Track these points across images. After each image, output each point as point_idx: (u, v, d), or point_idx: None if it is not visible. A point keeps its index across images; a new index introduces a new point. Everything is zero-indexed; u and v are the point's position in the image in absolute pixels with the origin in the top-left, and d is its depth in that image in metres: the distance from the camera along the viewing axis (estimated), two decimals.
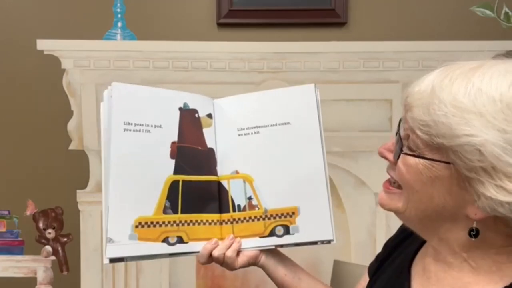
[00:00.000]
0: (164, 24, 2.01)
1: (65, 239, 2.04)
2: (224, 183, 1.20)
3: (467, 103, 0.78)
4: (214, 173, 1.20)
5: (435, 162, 0.82)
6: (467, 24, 1.99)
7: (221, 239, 1.17)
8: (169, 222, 1.14)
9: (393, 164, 0.91)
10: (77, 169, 2.02)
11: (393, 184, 0.92)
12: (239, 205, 1.19)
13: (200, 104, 1.22)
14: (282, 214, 1.18)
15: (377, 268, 1.12)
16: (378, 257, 1.15)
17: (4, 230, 2.02)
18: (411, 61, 1.99)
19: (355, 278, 1.25)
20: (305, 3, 1.99)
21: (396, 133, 0.91)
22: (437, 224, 0.87)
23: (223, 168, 1.20)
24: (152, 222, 1.12)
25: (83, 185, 2.03)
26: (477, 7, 1.99)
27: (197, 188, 1.17)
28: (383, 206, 0.94)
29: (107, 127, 1.12)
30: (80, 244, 2.04)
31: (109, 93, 1.14)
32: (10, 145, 2.02)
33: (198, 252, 1.16)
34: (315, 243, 1.19)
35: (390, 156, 0.92)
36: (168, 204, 1.14)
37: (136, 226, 1.11)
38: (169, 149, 1.16)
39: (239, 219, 1.19)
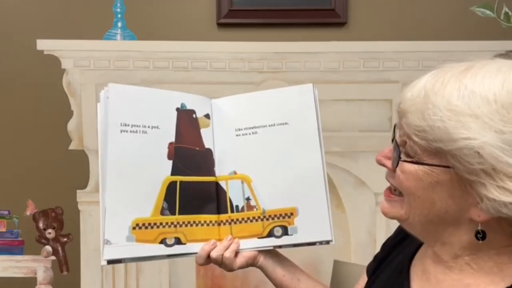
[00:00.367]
0: (164, 24, 2.01)
1: (65, 239, 2.04)
2: (222, 183, 1.20)
3: (461, 106, 0.77)
4: (212, 173, 1.19)
5: (435, 167, 0.81)
6: (467, 24, 1.99)
7: (219, 240, 1.17)
8: (166, 223, 1.13)
9: (392, 172, 0.90)
10: (77, 169, 2.02)
11: (394, 191, 0.92)
12: (237, 206, 1.19)
13: (197, 104, 1.22)
14: (280, 215, 1.18)
15: (376, 268, 1.11)
16: (376, 257, 1.14)
17: (4, 230, 2.02)
18: (411, 61, 1.99)
19: (355, 278, 1.25)
20: (305, 3, 1.99)
21: (392, 140, 0.91)
22: (440, 229, 0.87)
23: (221, 169, 1.20)
24: (149, 224, 1.12)
25: (83, 185, 2.03)
26: (477, 7, 1.98)
27: (195, 189, 1.17)
28: (385, 214, 0.94)
29: (104, 128, 1.12)
30: (80, 244, 2.04)
31: (105, 94, 1.14)
32: (10, 145, 2.02)
33: (196, 253, 1.16)
34: (313, 243, 1.18)
35: (389, 164, 0.91)
36: (165, 205, 1.14)
37: (134, 228, 1.11)
38: (166, 150, 1.16)
39: (237, 219, 1.18)
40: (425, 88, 0.82)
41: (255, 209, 1.18)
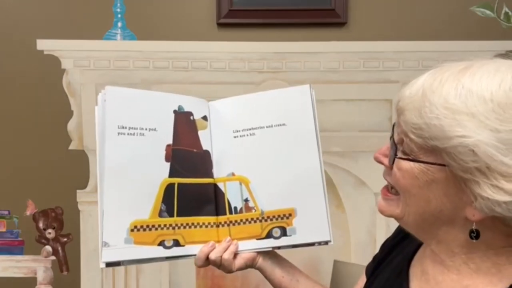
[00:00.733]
0: (164, 24, 2.01)
1: (65, 239, 2.04)
2: (220, 185, 1.20)
3: (458, 104, 0.77)
4: (210, 175, 1.20)
5: (430, 165, 0.82)
6: (467, 24, 1.99)
7: (218, 241, 1.17)
8: (165, 225, 1.14)
9: (389, 169, 0.90)
10: (77, 169, 2.02)
11: (390, 190, 0.92)
12: (235, 207, 1.19)
13: (195, 106, 1.22)
14: (279, 216, 1.18)
15: (375, 268, 1.11)
16: (375, 258, 1.14)
17: (4, 230, 2.03)
18: (411, 61, 1.99)
19: (355, 278, 1.25)
20: (305, 3, 1.99)
21: (391, 138, 0.91)
22: (435, 227, 0.87)
23: (219, 170, 1.20)
24: (148, 226, 1.12)
25: (83, 185, 2.03)
26: (477, 7, 1.98)
27: (193, 190, 1.17)
28: (382, 212, 0.94)
29: (102, 131, 1.12)
30: (80, 244, 2.05)
31: (103, 96, 1.14)
32: (10, 145, 2.02)
33: (195, 255, 1.16)
34: (312, 244, 1.18)
35: (386, 161, 0.92)
36: (163, 207, 1.14)
37: (132, 230, 1.11)
38: (164, 152, 1.16)
39: (235, 221, 1.18)
40: (423, 86, 0.83)
41: (253, 211, 1.18)
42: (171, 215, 1.14)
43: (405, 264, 1.00)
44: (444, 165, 0.80)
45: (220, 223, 1.18)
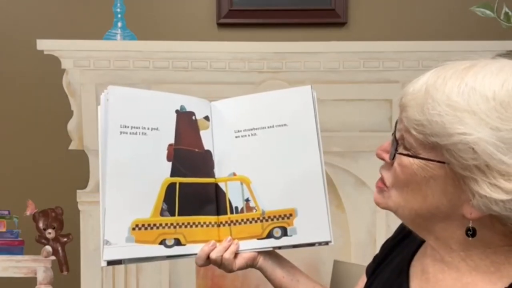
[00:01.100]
0: (164, 24, 2.01)
1: (65, 239, 2.04)
2: (222, 185, 1.20)
3: (460, 102, 0.78)
4: (212, 175, 1.20)
5: (430, 162, 0.82)
6: (467, 24, 1.99)
7: (219, 241, 1.18)
8: (166, 224, 1.14)
9: (390, 165, 0.91)
10: (77, 169, 2.02)
11: (383, 183, 0.93)
12: (236, 207, 1.19)
13: (197, 106, 1.22)
14: (279, 216, 1.18)
15: (375, 268, 1.12)
16: (375, 258, 1.15)
17: (4, 230, 2.03)
18: (411, 61, 1.99)
19: (355, 278, 1.25)
20: (305, 3, 1.99)
21: (393, 134, 0.91)
22: (431, 223, 0.88)
23: (221, 170, 1.20)
24: (149, 225, 1.13)
25: (83, 185, 2.03)
26: (477, 7, 1.98)
27: (194, 190, 1.17)
28: (378, 204, 0.95)
29: (104, 130, 1.12)
30: (80, 244, 2.04)
31: (105, 96, 1.14)
32: (10, 145, 2.02)
33: (195, 254, 1.16)
34: (312, 244, 1.19)
35: (387, 157, 0.92)
36: (165, 206, 1.14)
37: (133, 229, 1.11)
38: (165, 152, 1.16)
39: (236, 221, 1.19)
40: (426, 83, 0.83)
41: (254, 210, 1.18)
42: (173, 214, 1.15)
43: (405, 263, 1.00)
44: (443, 162, 0.81)
45: (221, 222, 1.19)
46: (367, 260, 1.19)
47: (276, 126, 1.21)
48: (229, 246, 1.16)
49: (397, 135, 0.89)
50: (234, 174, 1.20)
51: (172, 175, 1.16)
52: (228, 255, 1.15)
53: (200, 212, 1.17)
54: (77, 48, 1.99)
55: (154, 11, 2.00)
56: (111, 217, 1.10)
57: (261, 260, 1.20)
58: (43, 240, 2.03)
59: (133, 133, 1.14)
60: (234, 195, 1.19)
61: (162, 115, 1.18)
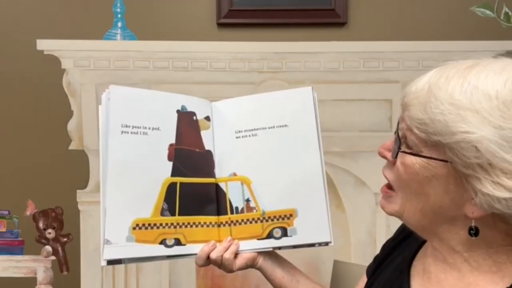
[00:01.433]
0: (164, 24, 2.01)
1: (65, 239, 2.04)
2: (222, 185, 1.20)
3: (463, 100, 0.78)
4: (212, 175, 1.20)
5: (432, 161, 0.82)
6: (467, 24, 1.99)
7: (219, 241, 1.17)
8: (166, 224, 1.14)
9: (392, 164, 0.91)
10: (77, 169, 2.02)
11: (390, 187, 0.93)
12: (237, 207, 1.19)
13: (198, 106, 1.22)
14: (280, 216, 1.18)
15: (375, 268, 1.12)
16: (376, 258, 1.15)
17: (4, 230, 2.03)
18: (411, 61, 1.99)
19: (355, 278, 1.25)
20: (305, 3, 1.99)
21: (395, 132, 0.91)
22: (436, 225, 0.88)
23: (221, 170, 1.20)
24: (149, 224, 1.13)
25: (83, 185, 2.03)
26: (477, 7, 1.98)
27: (194, 190, 1.17)
28: (384, 210, 0.95)
29: (105, 129, 1.12)
30: (80, 244, 2.04)
31: (107, 95, 1.14)
32: (10, 145, 2.02)
33: (195, 254, 1.16)
34: (312, 245, 1.19)
35: (389, 155, 0.92)
36: (165, 206, 1.14)
37: (134, 228, 1.11)
38: (166, 151, 1.16)
39: (237, 221, 1.19)
40: (429, 82, 0.83)
41: (254, 211, 1.18)
42: (173, 214, 1.15)
43: (406, 263, 1.00)
44: (446, 161, 0.81)
45: (222, 222, 1.19)
46: (367, 260, 1.19)
47: (276, 126, 1.21)
48: (229, 246, 1.16)
49: (400, 133, 0.89)
50: (235, 174, 1.20)
51: (172, 175, 1.16)
52: (228, 255, 1.15)
53: (201, 212, 1.17)
54: (77, 48, 1.99)
55: (154, 11, 2.00)
56: (111, 217, 1.09)
57: (261, 261, 1.20)
58: (43, 240, 2.03)
59: (134, 133, 1.14)
60: (234, 195, 1.19)
61: (163, 115, 1.18)
